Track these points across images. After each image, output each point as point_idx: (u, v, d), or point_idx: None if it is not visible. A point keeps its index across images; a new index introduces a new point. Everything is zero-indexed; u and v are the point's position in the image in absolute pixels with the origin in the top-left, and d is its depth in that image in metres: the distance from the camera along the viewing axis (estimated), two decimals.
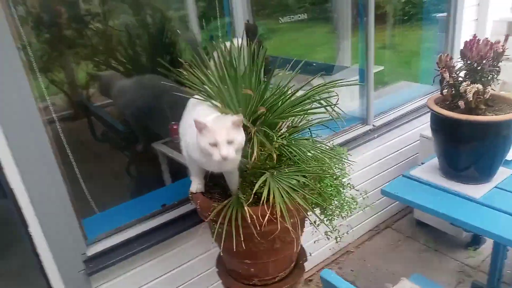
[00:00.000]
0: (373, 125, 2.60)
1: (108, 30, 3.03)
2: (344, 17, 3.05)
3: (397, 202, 2.88)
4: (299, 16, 2.87)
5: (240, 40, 1.56)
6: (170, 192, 2.08)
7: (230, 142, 1.21)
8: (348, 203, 1.52)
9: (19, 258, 1.87)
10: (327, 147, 1.59)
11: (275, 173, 1.38)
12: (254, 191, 1.29)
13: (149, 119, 2.62)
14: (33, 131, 1.37)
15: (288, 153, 1.43)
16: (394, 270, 2.52)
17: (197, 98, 1.43)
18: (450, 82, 1.68)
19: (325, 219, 1.50)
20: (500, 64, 1.65)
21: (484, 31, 3.10)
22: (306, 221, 1.54)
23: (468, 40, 1.66)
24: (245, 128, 1.31)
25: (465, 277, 2.42)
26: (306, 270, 1.73)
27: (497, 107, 1.71)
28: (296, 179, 1.38)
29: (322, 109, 1.49)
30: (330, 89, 1.50)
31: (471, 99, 1.59)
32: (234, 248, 1.30)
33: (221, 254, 1.59)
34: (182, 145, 1.46)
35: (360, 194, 1.60)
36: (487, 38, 1.60)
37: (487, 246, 2.54)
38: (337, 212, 1.52)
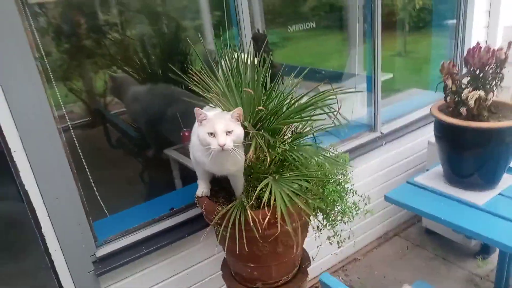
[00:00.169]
0: (381, 132, 2.61)
1: (125, 40, 3.14)
2: (354, 25, 3.09)
3: (406, 210, 2.88)
4: (313, 25, 2.92)
5: (244, 54, 1.62)
6: (179, 196, 2.13)
7: (228, 133, 1.25)
8: (350, 209, 1.55)
9: (34, 259, 1.96)
10: (331, 154, 1.62)
11: (277, 177, 1.42)
12: (256, 194, 1.34)
13: (162, 126, 2.70)
14: (49, 138, 1.45)
15: (290, 158, 1.47)
16: (401, 278, 2.51)
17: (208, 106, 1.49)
18: (453, 89, 1.70)
19: (328, 224, 1.53)
20: (504, 70, 1.67)
21: (495, 37, 3.09)
22: (309, 227, 1.57)
23: (471, 47, 1.68)
24: (246, 129, 1.36)
25: (473, 286, 2.40)
26: (312, 277, 1.75)
27: (501, 114, 1.72)
28: (298, 184, 1.41)
29: (325, 116, 1.53)
30: (331, 97, 1.54)
31: (472, 105, 1.60)
32: (237, 250, 1.35)
33: (225, 257, 1.63)
34: (190, 148, 1.52)
35: (363, 200, 1.62)
36: (488, 45, 1.62)
37: (496, 256, 2.51)
38: (340, 217, 1.55)
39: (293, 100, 1.49)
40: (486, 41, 2.02)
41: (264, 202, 1.31)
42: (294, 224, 1.37)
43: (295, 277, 1.68)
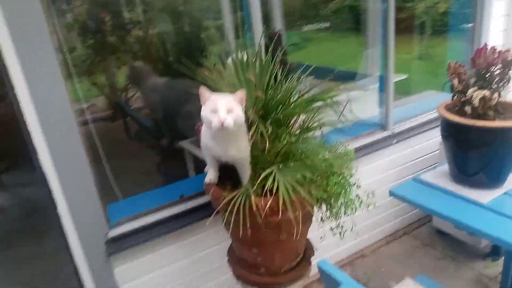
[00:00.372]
0: (392, 132, 2.64)
1: (148, 37, 3.27)
2: (372, 27, 3.12)
3: (416, 210, 2.90)
4: (333, 27, 2.98)
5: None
6: (191, 184, 2.22)
7: (229, 111, 1.29)
8: (353, 201, 1.60)
9: (52, 241, 2.09)
10: (337, 149, 1.67)
11: (281, 166, 1.49)
12: (258, 181, 1.40)
13: (177, 118, 2.81)
14: (68, 128, 1.57)
15: (295, 150, 1.53)
16: (408, 275, 2.52)
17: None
18: (459, 89, 1.73)
19: (331, 216, 1.59)
20: (511, 72, 1.68)
21: None
22: (313, 218, 1.63)
23: (478, 48, 1.70)
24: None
25: (482, 287, 2.40)
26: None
27: (508, 115, 1.74)
28: (302, 174, 1.47)
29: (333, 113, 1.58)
30: (338, 94, 1.60)
31: (477, 105, 1.63)
32: (240, 235, 1.42)
33: (232, 243, 1.70)
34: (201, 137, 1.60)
35: (367, 194, 1.66)
36: (494, 46, 1.64)
37: None
38: (343, 209, 1.60)
39: (301, 93, 1.56)
40: (485, 43, 2.00)
41: (267, 189, 1.38)
42: (296, 213, 1.43)
43: (298, 265, 1.73)
